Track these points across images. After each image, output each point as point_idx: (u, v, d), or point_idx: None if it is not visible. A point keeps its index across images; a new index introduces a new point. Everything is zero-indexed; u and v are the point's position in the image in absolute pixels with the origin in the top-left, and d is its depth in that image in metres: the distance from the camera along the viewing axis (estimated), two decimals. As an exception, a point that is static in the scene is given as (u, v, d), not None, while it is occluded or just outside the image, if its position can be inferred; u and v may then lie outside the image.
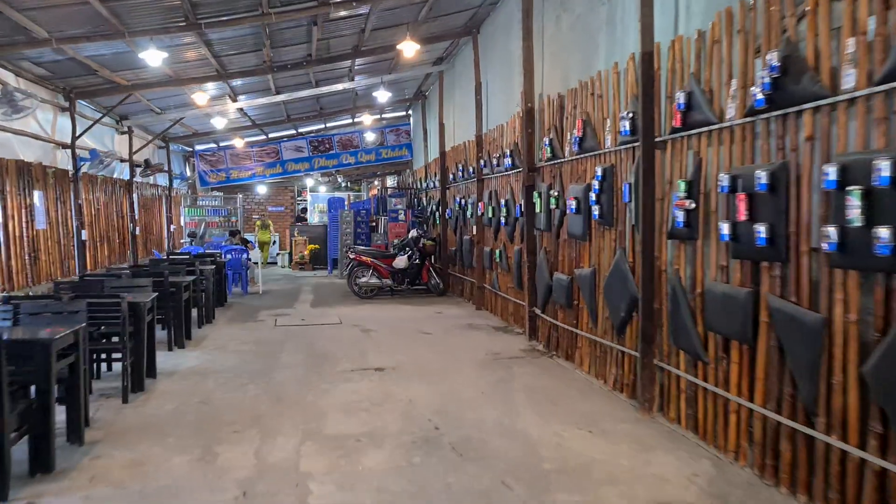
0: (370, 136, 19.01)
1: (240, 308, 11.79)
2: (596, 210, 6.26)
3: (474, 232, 11.36)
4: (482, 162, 10.83)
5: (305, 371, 6.96)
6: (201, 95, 10.88)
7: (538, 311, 8.16)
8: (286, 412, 5.52)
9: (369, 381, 6.47)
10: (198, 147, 19.47)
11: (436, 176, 15.00)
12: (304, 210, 23.25)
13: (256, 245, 21.42)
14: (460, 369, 6.97)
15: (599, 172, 6.17)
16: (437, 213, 14.81)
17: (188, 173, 19.24)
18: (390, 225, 16.89)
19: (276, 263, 21.08)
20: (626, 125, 5.58)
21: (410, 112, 20.17)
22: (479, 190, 11.03)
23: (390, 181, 24.49)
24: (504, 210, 9.44)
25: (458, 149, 12.89)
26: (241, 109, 14.67)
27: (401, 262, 13.14)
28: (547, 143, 7.60)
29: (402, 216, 17.22)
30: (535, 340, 8.27)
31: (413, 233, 13.58)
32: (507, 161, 9.18)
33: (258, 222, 21.97)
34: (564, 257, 7.30)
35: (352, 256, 13.15)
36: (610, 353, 6.17)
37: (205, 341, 8.64)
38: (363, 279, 12.95)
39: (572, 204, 6.75)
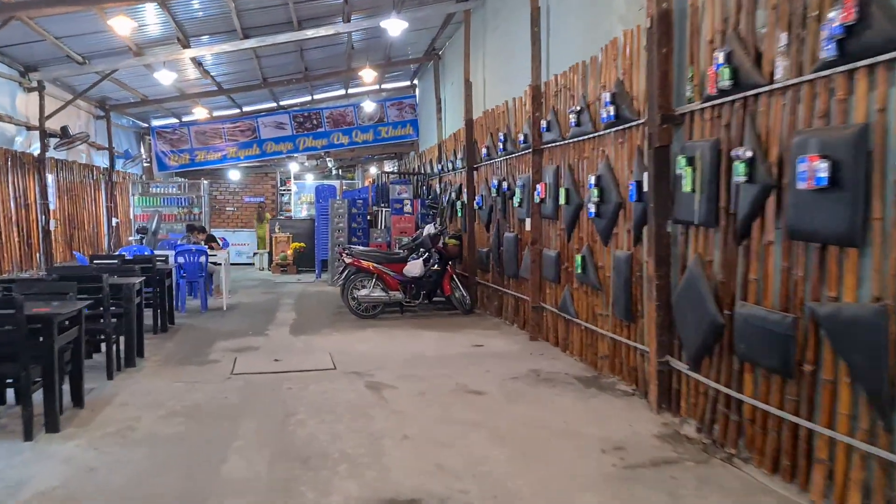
0: (369, 108, 15.44)
1: (188, 336, 8.24)
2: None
3: (525, 227, 7.87)
4: (543, 124, 7.32)
5: (266, 509, 3.45)
6: (123, 23, 7.29)
7: (682, 367, 4.67)
8: None
9: (403, 558, 2.97)
10: (155, 122, 15.84)
11: (456, 154, 11.50)
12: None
13: (256, 241, 17.96)
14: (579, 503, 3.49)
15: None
16: (457, 203, 11.32)
17: (143, 154, 15.61)
18: (393, 218, 13.41)
19: (252, 265, 17.51)
20: None
21: (417, 82, 16.64)
22: (535, 166, 7.54)
23: (389, 166, 20.92)
24: (594, 193, 5.93)
25: (494, 114, 9.39)
26: (200, 64, 11.09)
27: (415, 268, 9.63)
28: (721, 62, 4.10)
29: (407, 207, 13.74)
30: (672, 413, 4.78)
31: (430, 229, 10.06)
32: (607, 113, 5.66)
33: (256, 214, 18.60)
34: (768, 275, 3.81)
35: (348, 261, 9.62)
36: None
37: (105, 412, 5.10)
38: (363, 292, 9.43)
39: (818, 170, 3.27)
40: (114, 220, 12.55)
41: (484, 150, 9.63)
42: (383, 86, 16.32)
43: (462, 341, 7.73)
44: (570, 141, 6.66)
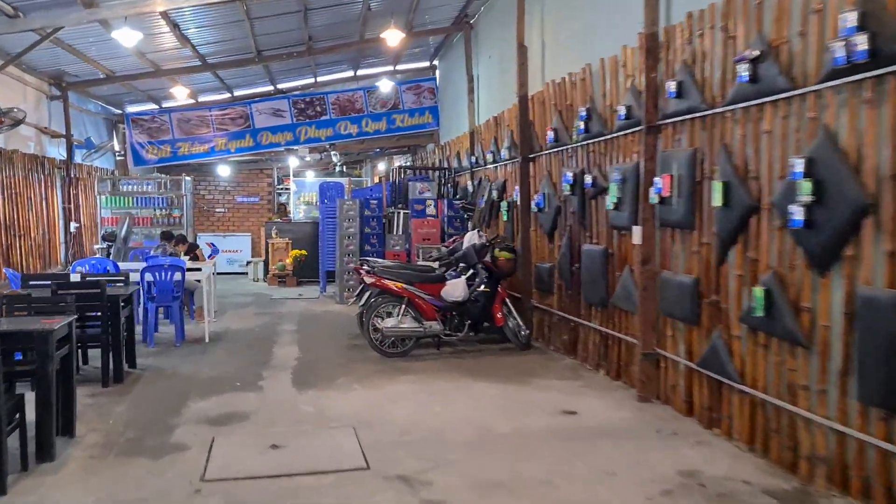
0: (385, 87, 13.05)
1: (151, 390, 5.88)
2: None
3: (633, 238, 5.53)
4: (672, 88, 4.96)
5: None
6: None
7: None
8: None
9: None
10: (130, 108, 13.48)
11: (499, 143, 9.19)
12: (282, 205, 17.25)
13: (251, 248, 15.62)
14: None
15: None
16: (501, 204, 9.00)
17: (116, 145, 13.23)
18: (414, 223, 11.11)
19: (246, 275, 15.12)
20: None
21: (437, 62, 14.30)
22: (650, 151, 5.19)
23: (399, 162, 18.49)
24: (803, 188, 3.57)
25: (565, 85, 7.04)
26: (176, 26, 8.72)
27: (456, 289, 7.29)
28: None
29: (430, 209, 11.48)
30: None
31: (473, 237, 7.73)
32: (847, 50, 3.28)
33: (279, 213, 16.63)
34: None
35: (369, 281, 7.26)
36: None
37: None
38: (390, 322, 7.08)
39: None
40: (72, 225, 10.17)
41: (550, 134, 7.27)
42: (398, 66, 13.96)
43: (539, 401, 5.38)
44: (728, 109, 4.32)
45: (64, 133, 10.16)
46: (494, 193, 9.43)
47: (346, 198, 12.66)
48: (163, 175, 13.10)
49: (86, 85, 10.56)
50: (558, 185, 7.15)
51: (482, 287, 7.41)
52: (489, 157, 9.64)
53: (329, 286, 12.61)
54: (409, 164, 16.53)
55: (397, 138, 14.53)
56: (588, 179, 6.36)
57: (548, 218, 7.44)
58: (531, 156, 7.90)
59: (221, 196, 16.69)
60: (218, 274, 15.87)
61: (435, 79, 14.18)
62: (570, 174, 6.75)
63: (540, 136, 7.69)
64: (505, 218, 8.90)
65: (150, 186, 11.65)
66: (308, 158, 15.33)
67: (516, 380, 6.08)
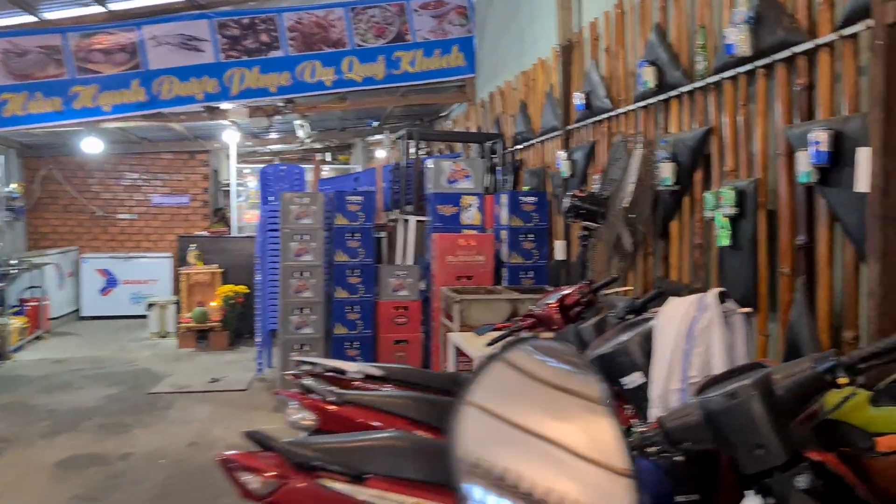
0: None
1: None
2: None
3: None
4: None
5: None
6: None
7: None
8: None
9: None
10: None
11: (703, 39, 3.21)
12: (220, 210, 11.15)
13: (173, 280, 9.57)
14: None
15: None
16: (707, 201, 3.03)
17: None
18: (438, 242, 5.22)
19: (144, 320, 9.05)
20: None
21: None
22: None
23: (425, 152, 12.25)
24: None
25: None
26: None
27: None
28: None
29: (472, 213, 5.64)
30: None
31: (714, 326, 1.74)
32: None
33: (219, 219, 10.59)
34: None
35: None
36: None
37: None
38: None
39: None
40: None
41: None
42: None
43: None
44: None
45: None
46: (666, 172, 3.47)
47: (306, 191, 6.71)
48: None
49: None
50: None
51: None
52: (645, 83, 3.64)
53: (273, 364, 6.68)
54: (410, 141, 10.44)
55: (403, 92, 8.52)
56: None
57: None
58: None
59: (128, 195, 10.71)
60: (111, 318, 9.77)
61: (469, -10, 8.22)
62: None
63: None
64: (723, 239, 2.94)
65: None
66: (250, 126, 9.32)
67: None
